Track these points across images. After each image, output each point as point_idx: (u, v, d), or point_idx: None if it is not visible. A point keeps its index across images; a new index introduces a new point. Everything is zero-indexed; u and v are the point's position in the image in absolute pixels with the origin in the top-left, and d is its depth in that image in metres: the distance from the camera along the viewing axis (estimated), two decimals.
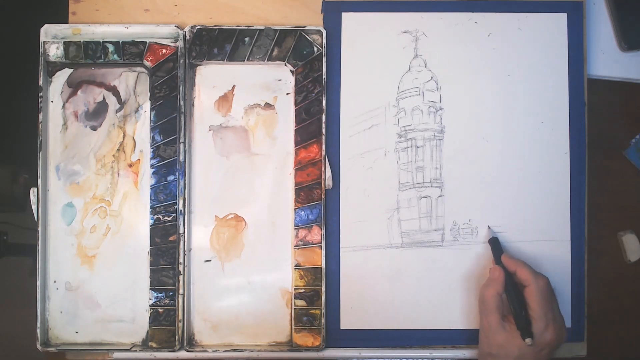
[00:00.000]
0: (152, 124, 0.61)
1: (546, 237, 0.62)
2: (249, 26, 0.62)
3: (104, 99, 0.63)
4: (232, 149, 0.63)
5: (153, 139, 0.61)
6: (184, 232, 0.61)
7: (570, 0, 0.63)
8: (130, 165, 0.62)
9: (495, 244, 0.60)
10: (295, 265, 0.61)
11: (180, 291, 0.61)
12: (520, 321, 0.54)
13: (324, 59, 0.61)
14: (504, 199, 0.62)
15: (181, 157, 0.61)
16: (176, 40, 0.62)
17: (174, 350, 0.61)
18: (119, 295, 0.62)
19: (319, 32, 0.62)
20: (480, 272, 0.62)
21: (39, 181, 0.61)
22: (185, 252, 0.61)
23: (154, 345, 0.61)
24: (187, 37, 0.61)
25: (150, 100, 0.62)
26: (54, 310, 0.62)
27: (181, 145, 0.61)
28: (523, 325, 0.53)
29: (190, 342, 0.61)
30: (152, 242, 0.61)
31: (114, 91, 0.63)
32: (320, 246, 0.61)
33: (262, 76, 0.63)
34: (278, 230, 0.62)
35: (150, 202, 0.61)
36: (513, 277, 0.56)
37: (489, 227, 0.62)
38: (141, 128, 0.63)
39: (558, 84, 0.63)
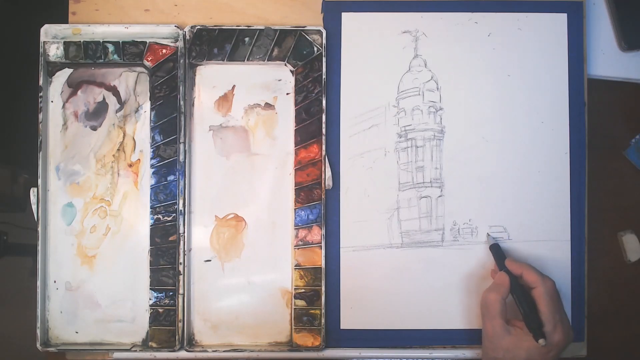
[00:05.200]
0: (152, 124, 0.61)
1: (546, 237, 0.62)
2: (249, 26, 0.62)
3: (104, 99, 0.63)
4: (232, 149, 0.63)
5: (153, 139, 0.61)
6: (184, 232, 0.61)
7: (570, 0, 0.63)
8: (130, 165, 0.62)
9: (496, 249, 0.60)
10: (295, 265, 0.61)
11: (180, 291, 0.61)
12: (531, 323, 0.53)
13: (324, 59, 0.61)
14: (504, 199, 0.62)
15: (181, 157, 0.61)
16: (176, 40, 0.62)
17: (174, 350, 0.61)
18: (119, 295, 0.62)
19: (319, 32, 0.62)
20: (480, 272, 0.62)
21: (39, 181, 0.61)
22: (185, 252, 0.61)
23: (154, 345, 0.61)
24: (187, 37, 0.61)
25: (150, 100, 0.62)
26: (54, 310, 0.62)
27: (181, 145, 0.61)
28: (535, 326, 0.53)
29: (190, 342, 0.61)
30: (152, 242, 0.61)
31: (114, 91, 0.63)
32: (320, 246, 0.61)
33: (262, 76, 0.63)
34: (278, 230, 0.62)
35: (150, 202, 0.61)
36: (519, 280, 0.56)
37: (488, 234, 0.61)
38: (141, 128, 0.63)
39: (558, 84, 0.63)
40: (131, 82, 0.63)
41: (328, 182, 0.61)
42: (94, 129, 0.63)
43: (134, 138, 0.63)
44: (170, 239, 0.61)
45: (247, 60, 0.62)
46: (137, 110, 0.63)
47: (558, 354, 0.54)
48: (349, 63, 0.63)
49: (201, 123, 0.63)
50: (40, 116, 0.62)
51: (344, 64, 0.63)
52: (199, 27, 0.61)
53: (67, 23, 0.63)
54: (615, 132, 0.66)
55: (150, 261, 0.61)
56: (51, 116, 0.63)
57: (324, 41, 0.61)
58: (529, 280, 0.55)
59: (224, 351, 0.61)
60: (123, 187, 0.62)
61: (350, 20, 0.63)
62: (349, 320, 0.62)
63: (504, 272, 0.57)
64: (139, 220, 0.62)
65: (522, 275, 0.56)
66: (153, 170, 0.61)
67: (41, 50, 0.62)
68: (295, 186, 0.61)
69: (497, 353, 0.54)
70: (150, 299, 0.61)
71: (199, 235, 0.62)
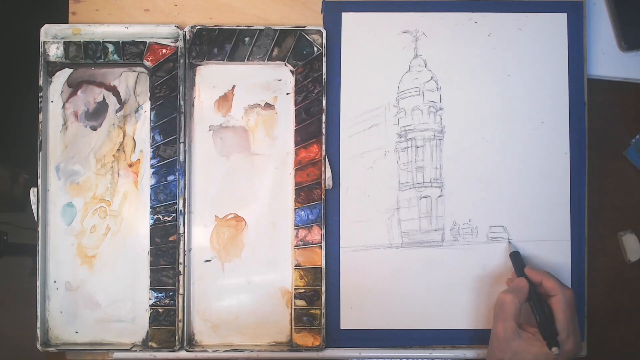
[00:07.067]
0: (152, 124, 0.61)
1: (546, 237, 0.62)
2: (249, 26, 0.62)
3: (104, 99, 0.63)
4: (232, 149, 0.63)
5: (153, 139, 0.61)
6: (184, 232, 0.61)
7: (570, 0, 0.63)
8: (130, 165, 0.62)
9: (516, 257, 0.60)
10: (295, 265, 0.61)
11: (180, 291, 0.61)
12: (546, 331, 0.53)
13: (324, 59, 0.61)
14: (504, 199, 0.62)
15: (181, 157, 0.61)
16: (176, 40, 0.62)
17: (174, 350, 0.61)
18: (119, 295, 0.62)
19: (319, 32, 0.62)
20: (480, 273, 0.62)
21: (39, 181, 0.61)
22: (185, 252, 0.61)
23: (154, 345, 0.61)
24: (187, 37, 0.61)
25: (150, 100, 0.62)
26: (54, 310, 0.62)
27: (181, 145, 0.61)
28: (550, 335, 0.53)
29: (190, 342, 0.61)
30: (152, 242, 0.61)
31: (114, 91, 0.63)
32: (320, 246, 0.61)
33: (262, 76, 0.63)
34: (278, 230, 0.62)
35: (150, 202, 0.61)
36: (537, 288, 0.56)
37: (510, 242, 0.61)
38: (141, 128, 0.63)
39: (558, 84, 0.63)
40: (131, 82, 0.63)
41: (328, 182, 0.61)
42: (94, 129, 0.63)
43: (134, 138, 0.63)
44: (170, 239, 0.61)
45: (247, 60, 0.62)
46: (137, 110, 0.63)
47: None
48: (349, 63, 0.63)
49: (201, 123, 0.63)
50: (40, 116, 0.62)
51: (344, 64, 0.63)
52: (199, 27, 0.61)
53: (67, 23, 0.63)
54: (615, 132, 0.66)
55: (150, 261, 0.61)
56: (51, 116, 0.63)
57: (324, 41, 0.61)
58: (548, 288, 0.55)
59: (224, 351, 0.61)
60: (123, 187, 0.62)
61: (350, 20, 0.63)
62: (349, 320, 0.62)
63: (523, 277, 0.57)
64: (139, 220, 0.62)
65: (541, 283, 0.56)
66: (153, 170, 0.61)
67: (41, 50, 0.62)
68: (295, 186, 0.61)
69: (504, 355, 0.54)
70: (150, 299, 0.61)
71: (199, 235, 0.62)
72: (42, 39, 0.62)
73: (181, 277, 0.61)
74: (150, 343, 0.61)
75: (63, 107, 0.63)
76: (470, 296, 0.62)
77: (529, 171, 0.62)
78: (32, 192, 0.61)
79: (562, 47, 0.63)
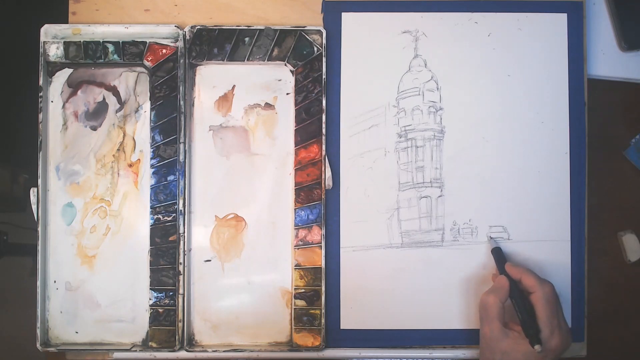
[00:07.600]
0: (152, 124, 0.61)
1: (546, 237, 0.62)
2: (249, 26, 0.62)
3: (104, 99, 0.63)
4: (232, 149, 0.63)
5: (153, 139, 0.61)
6: (184, 232, 0.61)
7: (570, 0, 0.63)
8: (130, 165, 0.62)
9: (498, 253, 0.60)
10: (295, 265, 0.61)
11: (180, 291, 0.61)
12: (528, 329, 0.53)
13: (324, 59, 0.61)
14: (504, 199, 0.62)
15: (181, 157, 0.61)
16: (176, 40, 0.62)
17: (174, 350, 0.61)
18: (119, 295, 0.62)
19: (319, 32, 0.62)
20: (480, 272, 0.62)
21: (39, 181, 0.61)
22: (185, 252, 0.61)
23: (154, 345, 0.61)
24: (187, 37, 0.61)
25: (150, 100, 0.62)
26: (54, 310, 0.62)
27: (181, 145, 0.61)
28: (532, 332, 0.53)
29: (190, 342, 0.61)
30: (152, 242, 0.61)
31: (114, 91, 0.63)
32: (320, 246, 0.61)
33: (262, 76, 0.63)
34: (278, 230, 0.62)
35: (150, 202, 0.61)
36: (518, 285, 0.56)
37: (491, 237, 0.62)
38: (141, 128, 0.63)
39: (558, 84, 0.63)
40: (131, 82, 0.63)
41: (328, 182, 0.61)
42: (94, 129, 0.63)
43: (134, 138, 0.63)
44: (170, 239, 0.61)
45: (247, 60, 0.62)
46: (137, 110, 0.63)
47: (555, 358, 0.54)
48: (349, 63, 0.63)
49: (201, 123, 0.63)
50: (40, 116, 0.62)
51: (344, 64, 0.63)
52: (199, 27, 0.61)
53: (67, 23, 0.63)
54: (615, 132, 0.66)
55: (150, 261, 0.61)
56: (51, 116, 0.63)
57: (324, 41, 0.61)
58: (527, 285, 0.55)
59: (224, 351, 0.61)
60: (123, 187, 0.62)
61: (350, 20, 0.63)
62: (349, 320, 0.62)
63: (504, 275, 0.57)
64: (139, 220, 0.62)
65: (520, 280, 0.56)
66: (153, 170, 0.61)
67: (41, 50, 0.62)
68: (295, 186, 0.61)
69: (494, 355, 0.54)
70: (150, 299, 0.61)
71: (199, 235, 0.62)
72: (42, 39, 0.62)
73: (181, 277, 0.61)
74: (150, 343, 0.61)
75: (63, 107, 0.63)
76: (470, 296, 0.62)
77: (529, 171, 0.62)
78: (32, 192, 0.61)
79: (562, 47, 0.63)
